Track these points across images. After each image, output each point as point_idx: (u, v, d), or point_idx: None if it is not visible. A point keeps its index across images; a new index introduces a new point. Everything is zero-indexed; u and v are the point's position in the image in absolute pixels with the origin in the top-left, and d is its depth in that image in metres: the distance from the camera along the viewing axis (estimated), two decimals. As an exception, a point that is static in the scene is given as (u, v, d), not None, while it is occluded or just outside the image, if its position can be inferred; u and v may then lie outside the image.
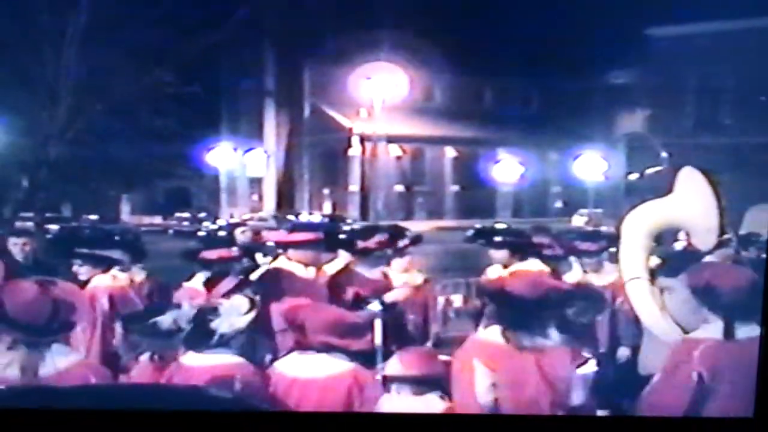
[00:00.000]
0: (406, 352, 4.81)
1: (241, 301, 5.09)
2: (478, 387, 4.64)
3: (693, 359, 4.54)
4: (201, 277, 6.71)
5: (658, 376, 4.76)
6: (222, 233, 14.54)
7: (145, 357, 5.17)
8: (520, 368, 4.61)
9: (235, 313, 4.93)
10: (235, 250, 7.16)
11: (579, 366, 4.70)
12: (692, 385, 4.58)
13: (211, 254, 6.92)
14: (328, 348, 4.86)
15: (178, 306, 5.32)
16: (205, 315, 4.96)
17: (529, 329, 4.66)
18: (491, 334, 4.79)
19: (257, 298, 5.41)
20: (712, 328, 4.65)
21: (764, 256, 8.60)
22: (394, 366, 4.68)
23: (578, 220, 17.42)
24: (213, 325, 4.84)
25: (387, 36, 17.90)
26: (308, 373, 4.85)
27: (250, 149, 19.72)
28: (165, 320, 5.19)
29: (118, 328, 6.28)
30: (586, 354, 6.62)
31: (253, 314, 4.99)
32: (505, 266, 7.28)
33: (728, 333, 4.58)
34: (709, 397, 4.56)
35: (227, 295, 5.59)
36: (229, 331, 4.84)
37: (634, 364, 6.62)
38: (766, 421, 4.52)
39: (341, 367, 4.83)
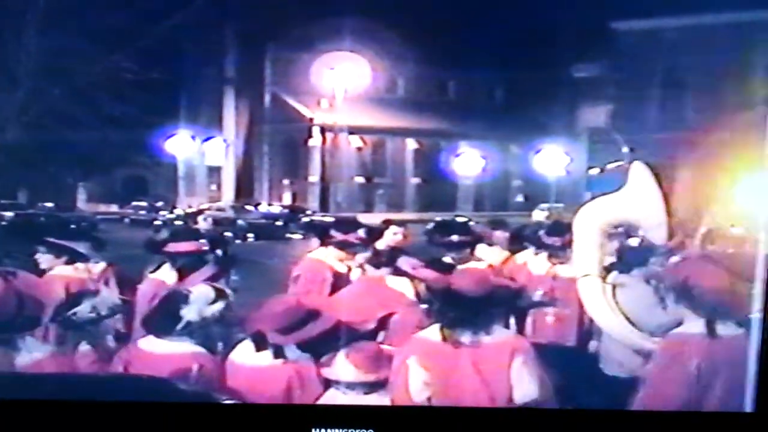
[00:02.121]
0: (355, 351, 4.72)
1: (207, 291, 5.03)
2: (412, 386, 4.56)
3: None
4: (167, 267, 6.59)
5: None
6: (180, 222, 14.41)
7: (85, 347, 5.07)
8: (455, 366, 4.53)
9: (203, 302, 4.88)
10: (203, 242, 7.04)
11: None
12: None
13: (178, 246, 6.81)
14: (273, 339, 4.77)
15: (96, 293, 5.20)
16: (174, 301, 4.88)
17: (469, 326, 4.57)
18: (428, 332, 4.71)
19: (227, 289, 5.33)
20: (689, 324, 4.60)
21: (730, 251, 8.59)
22: (343, 367, 4.59)
23: (539, 215, 17.46)
24: (182, 312, 4.78)
25: (350, 25, 17.77)
26: (253, 362, 4.77)
27: (209, 138, 19.50)
28: (83, 310, 5.07)
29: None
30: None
31: (221, 304, 4.93)
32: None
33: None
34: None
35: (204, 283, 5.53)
36: (197, 319, 4.78)
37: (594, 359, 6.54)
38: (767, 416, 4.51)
39: (284, 358, 4.74)
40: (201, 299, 4.87)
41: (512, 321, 6.36)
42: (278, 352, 4.76)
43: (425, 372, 4.52)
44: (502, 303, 4.89)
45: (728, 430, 4.56)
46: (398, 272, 6.21)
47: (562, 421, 4.67)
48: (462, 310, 4.62)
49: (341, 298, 6.13)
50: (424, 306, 5.42)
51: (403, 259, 6.75)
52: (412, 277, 5.92)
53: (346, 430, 4.67)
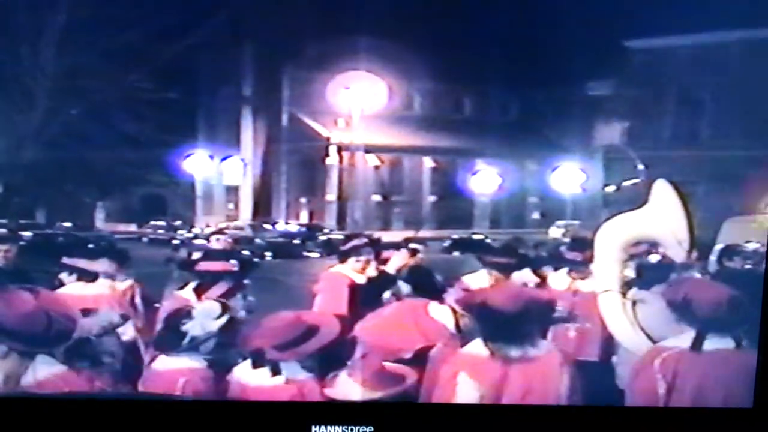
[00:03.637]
0: (359, 368, 4.74)
1: (213, 306, 5.06)
2: (463, 400, 4.60)
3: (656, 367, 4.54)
4: (192, 286, 6.67)
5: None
6: (201, 242, 14.47)
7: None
8: (506, 379, 4.58)
9: (207, 317, 4.90)
10: (234, 263, 7.12)
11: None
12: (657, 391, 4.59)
13: (210, 266, 6.89)
14: (275, 357, 4.78)
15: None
16: (177, 317, 4.91)
17: (512, 340, 4.62)
18: (476, 347, 4.74)
19: (231, 304, 5.37)
20: (685, 339, 4.63)
21: (748, 266, 8.62)
22: (347, 385, 4.59)
23: (555, 232, 17.45)
24: (185, 327, 4.80)
25: (367, 44, 17.76)
26: (258, 382, 4.80)
27: (227, 157, 19.51)
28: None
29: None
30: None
31: (224, 319, 4.95)
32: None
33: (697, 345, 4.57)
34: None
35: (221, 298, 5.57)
36: (201, 334, 4.80)
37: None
38: (765, 413, 4.55)
39: (288, 377, 4.75)
40: (205, 314, 4.90)
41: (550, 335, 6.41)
42: (275, 369, 4.76)
43: (479, 386, 4.55)
44: (540, 317, 4.94)
45: (729, 427, 4.60)
46: (442, 301, 6.22)
47: (566, 418, 4.70)
48: (501, 324, 4.66)
49: (377, 321, 6.13)
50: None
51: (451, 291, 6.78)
52: (453, 308, 5.91)
53: (346, 427, 4.70)
